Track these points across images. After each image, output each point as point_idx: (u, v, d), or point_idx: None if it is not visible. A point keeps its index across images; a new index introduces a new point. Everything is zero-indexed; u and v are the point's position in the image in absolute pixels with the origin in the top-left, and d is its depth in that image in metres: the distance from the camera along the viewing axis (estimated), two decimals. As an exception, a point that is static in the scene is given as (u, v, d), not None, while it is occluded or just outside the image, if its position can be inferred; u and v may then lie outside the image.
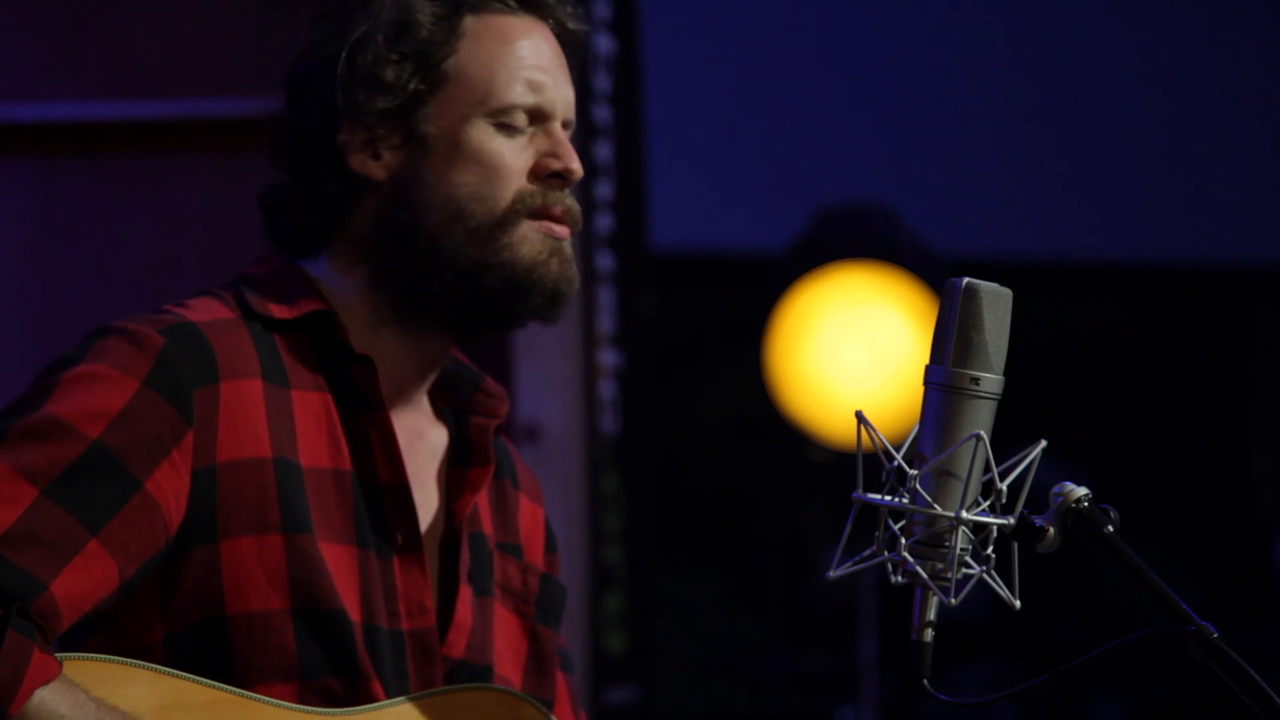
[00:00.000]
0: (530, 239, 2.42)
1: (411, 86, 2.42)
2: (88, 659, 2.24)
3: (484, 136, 2.43)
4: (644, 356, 4.86)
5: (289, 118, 2.46)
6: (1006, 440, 2.18)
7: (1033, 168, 7.93)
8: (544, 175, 2.44)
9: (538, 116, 2.45)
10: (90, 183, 4.30)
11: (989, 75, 7.90)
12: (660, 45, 5.82)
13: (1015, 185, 7.93)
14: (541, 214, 2.44)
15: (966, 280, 2.16)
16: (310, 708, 2.32)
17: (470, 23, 2.45)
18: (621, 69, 4.78)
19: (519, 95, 2.44)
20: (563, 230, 2.45)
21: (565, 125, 2.49)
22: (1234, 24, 8.03)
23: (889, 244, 5.94)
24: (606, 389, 4.70)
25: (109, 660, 2.25)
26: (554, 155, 2.45)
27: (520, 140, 2.44)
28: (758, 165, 7.72)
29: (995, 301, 2.16)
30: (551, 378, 4.52)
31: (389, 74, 2.42)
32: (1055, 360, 8.29)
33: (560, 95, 2.47)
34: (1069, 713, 7.51)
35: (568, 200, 2.46)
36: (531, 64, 2.45)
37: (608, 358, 4.71)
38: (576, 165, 2.46)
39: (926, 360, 2.17)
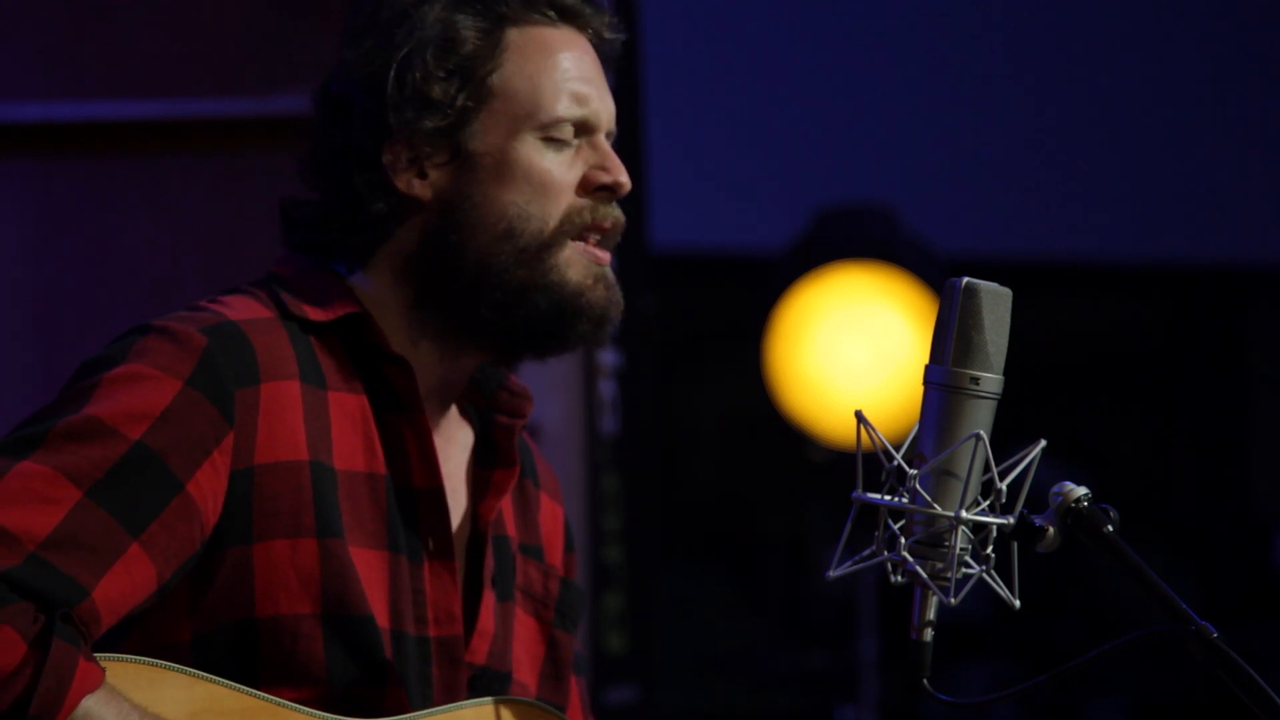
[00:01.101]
0: (575, 262, 2.41)
1: (459, 103, 2.40)
2: (122, 660, 2.23)
3: (533, 152, 2.41)
4: (644, 356, 4.86)
5: (329, 137, 2.43)
6: (1006, 440, 2.17)
7: (1033, 168, 7.93)
8: (592, 188, 2.43)
9: (583, 129, 2.44)
10: (90, 183, 4.30)
11: (989, 75, 7.89)
12: (660, 45, 5.81)
13: (1015, 185, 7.92)
14: (590, 230, 2.42)
15: (966, 280, 2.16)
16: (342, 717, 2.31)
17: (513, 35, 2.43)
18: (621, 69, 4.77)
19: (566, 109, 2.42)
20: (605, 255, 2.43)
21: (608, 136, 2.47)
22: (1234, 24, 8.02)
23: (889, 244, 5.94)
24: (606, 389, 4.70)
25: (143, 662, 2.24)
26: (602, 168, 2.43)
27: (567, 154, 2.43)
28: (758, 165, 7.71)
29: (995, 301, 2.16)
30: (551, 378, 4.51)
31: (436, 91, 2.39)
32: (1055, 360, 8.28)
33: (604, 106, 2.46)
34: (1069, 713, 7.51)
35: (615, 213, 2.45)
36: (575, 76, 2.43)
37: (608, 358, 4.71)
38: (625, 178, 2.44)
39: (926, 360, 2.17)
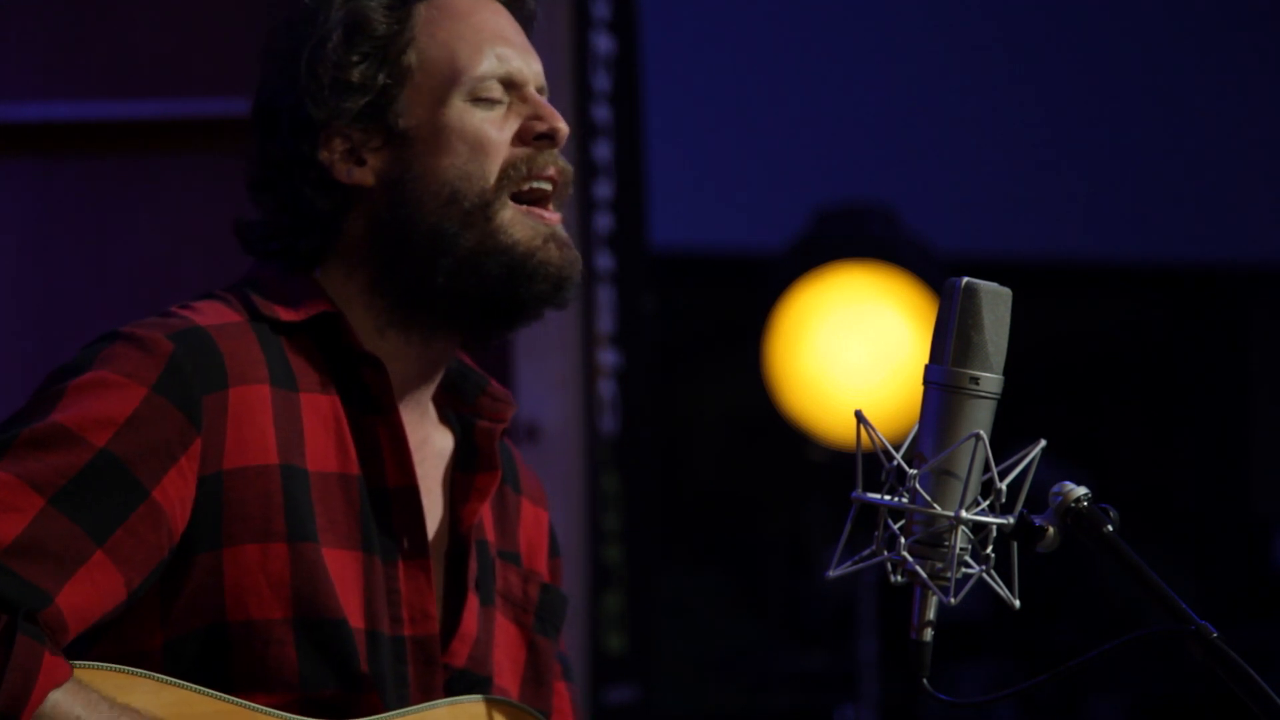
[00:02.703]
0: (519, 223, 2.39)
1: (380, 83, 2.40)
2: (91, 667, 2.22)
3: (463, 114, 2.40)
4: (644, 356, 4.85)
5: (266, 150, 2.44)
6: (1006, 440, 2.17)
7: (1033, 168, 7.93)
8: (530, 139, 2.42)
9: (511, 85, 2.43)
10: (90, 183, 4.30)
11: (988, 75, 7.90)
12: (660, 45, 5.81)
13: (1015, 185, 7.92)
14: (531, 179, 2.41)
15: (966, 280, 2.16)
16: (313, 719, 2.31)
17: (422, 9, 2.43)
18: (621, 69, 4.77)
19: (488, 66, 2.42)
20: (552, 216, 2.42)
21: (540, 92, 2.46)
22: (1233, 24, 8.03)
23: (888, 243, 5.94)
24: (606, 389, 4.70)
25: (113, 669, 2.23)
26: (537, 118, 2.43)
27: (500, 110, 2.42)
28: (758, 165, 7.72)
29: (995, 301, 2.16)
30: (551, 378, 4.51)
31: (354, 75, 2.39)
32: (1055, 360, 8.28)
33: (528, 64, 2.45)
34: (1069, 713, 7.51)
35: (559, 161, 2.43)
36: (492, 34, 2.43)
37: (607, 357, 4.71)
38: (562, 124, 2.43)
39: (926, 360, 2.17)
